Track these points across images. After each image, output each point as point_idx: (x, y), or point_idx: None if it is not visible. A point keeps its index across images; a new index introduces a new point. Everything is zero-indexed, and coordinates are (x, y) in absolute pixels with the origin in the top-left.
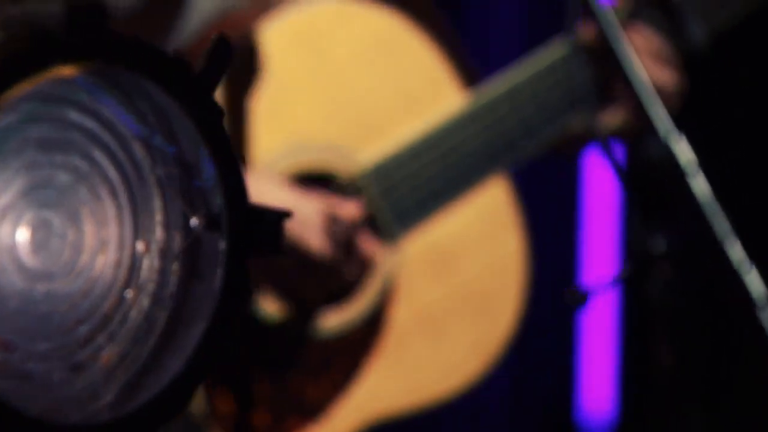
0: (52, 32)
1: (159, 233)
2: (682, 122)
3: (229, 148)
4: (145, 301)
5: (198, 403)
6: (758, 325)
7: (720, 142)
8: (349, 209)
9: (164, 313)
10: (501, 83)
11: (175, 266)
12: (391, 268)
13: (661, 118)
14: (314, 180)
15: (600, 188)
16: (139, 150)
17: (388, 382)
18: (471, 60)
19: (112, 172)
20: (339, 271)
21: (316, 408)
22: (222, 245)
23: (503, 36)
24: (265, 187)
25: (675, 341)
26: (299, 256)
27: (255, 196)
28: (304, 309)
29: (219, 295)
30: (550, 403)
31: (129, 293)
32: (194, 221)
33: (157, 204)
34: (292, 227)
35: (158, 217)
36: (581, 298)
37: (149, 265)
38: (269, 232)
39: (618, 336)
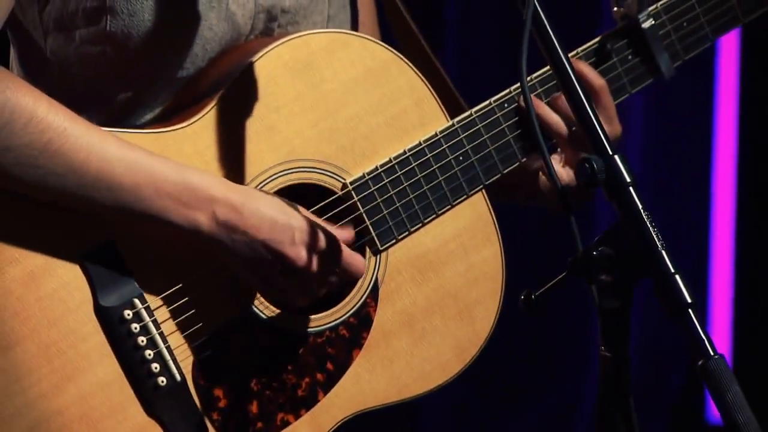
0: None
1: None
2: None
3: None
4: None
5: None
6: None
7: None
8: (336, 231)
9: None
10: (478, 108)
11: None
12: (379, 274)
13: (605, 139)
14: (305, 194)
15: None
16: None
17: (372, 377)
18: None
19: None
20: (320, 280)
21: (306, 402)
22: None
23: None
24: (253, 199)
25: (612, 340)
26: (280, 263)
27: (244, 209)
28: (295, 309)
29: None
30: (680, 404)
31: None
32: None
33: None
34: (272, 235)
35: None
36: (534, 303)
37: None
38: None
39: (734, 338)
